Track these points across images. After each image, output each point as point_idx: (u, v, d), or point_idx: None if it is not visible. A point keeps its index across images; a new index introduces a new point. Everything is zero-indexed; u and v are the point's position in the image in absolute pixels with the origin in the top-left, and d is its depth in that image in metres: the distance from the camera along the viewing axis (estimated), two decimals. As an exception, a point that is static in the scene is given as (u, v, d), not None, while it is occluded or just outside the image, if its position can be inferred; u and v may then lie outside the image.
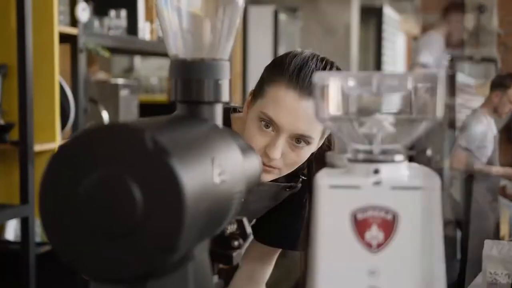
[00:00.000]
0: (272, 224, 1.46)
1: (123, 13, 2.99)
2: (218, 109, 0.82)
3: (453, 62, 4.36)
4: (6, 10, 2.42)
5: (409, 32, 9.07)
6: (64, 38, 2.60)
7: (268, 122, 1.25)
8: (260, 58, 4.23)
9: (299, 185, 1.41)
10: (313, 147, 1.29)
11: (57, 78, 2.48)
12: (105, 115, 2.91)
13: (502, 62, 9.71)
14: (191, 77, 0.81)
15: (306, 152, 1.28)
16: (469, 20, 9.27)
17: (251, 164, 0.85)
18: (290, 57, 1.27)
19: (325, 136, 1.33)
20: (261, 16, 4.87)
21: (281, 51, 5.59)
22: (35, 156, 2.39)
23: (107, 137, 0.62)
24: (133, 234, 0.61)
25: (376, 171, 0.69)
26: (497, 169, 4.29)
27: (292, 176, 1.40)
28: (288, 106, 1.23)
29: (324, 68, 1.29)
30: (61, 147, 0.63)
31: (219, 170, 0.70)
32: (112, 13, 2.99)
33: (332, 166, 0.77)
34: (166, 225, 0.60)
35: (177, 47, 0.83)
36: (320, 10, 5.25)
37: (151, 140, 0.61)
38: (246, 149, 0.86)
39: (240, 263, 1.44)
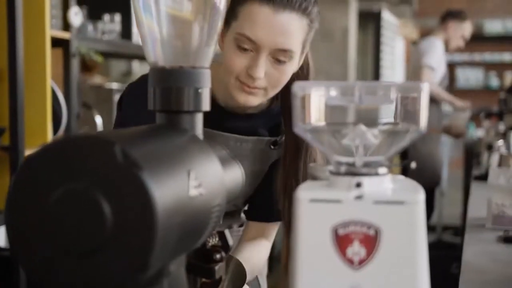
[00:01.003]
0: (264, 200, 1.42)
1: (117, 17, 2.97)
2: (199, 118, 0.80)
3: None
4: (-3, 13, 2.40)
5: (408, 37, 9.05)
6: (57, 42, 2.58)
7: (245, 43, 1.22)
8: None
9: (283, 138, 1.39)
10: (294, 63, 1.26)
11: (49, 82, 2.46)
12: (99, 120, 2.88)
13: (419, 3, 9.71)
14: (170, 85, 0.78)
15: (289, 68, 1.25)
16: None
17: (232, 175, 0.83)
18: None
19: (306, 51, 1.31)
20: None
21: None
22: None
23: (76, 149, 0.60)
24: (102, 251, 0.58)
25: (358, 185, 0.67)
26: (448, 97, 4.47)
27: (274, 130, 1.38)
28: (264, 22, 1.20)
29: None
30: (29, 158, 0.61)
31: (195, 183, 0.67)
32: (106, 17, 2.97)
33: (315, 178, 0.74)
34: (137, 241, 0.58)
35: (156, 55, 0.81)
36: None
37: (122, 153, 0.59)
38: (227, 159, 0.83)
39: (236, 247, 1.41)
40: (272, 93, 1.27)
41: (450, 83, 10.00)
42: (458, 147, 6.15)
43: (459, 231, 4.94)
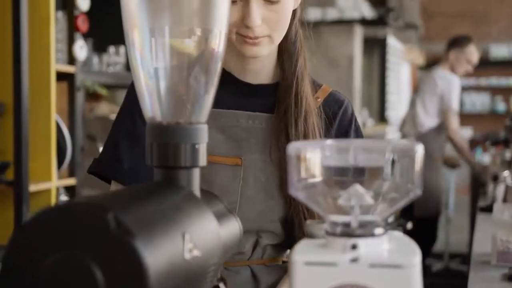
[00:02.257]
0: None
1: (122, 49, 2.99)
2: (196, 174, 0.80)
3: None
4: (3, 47, 2.42)
5: (414, 62, 9.07)
6: (62, 76, 2.59)
7: None
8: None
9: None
10: (291, 1, 1.20)
11: (54, 116, 2.47)
12: (103, 152, 2.88)
13: (424, 28, 9.73)
14: (168, 141, 0.78)
15: (286, 6, 1.18)
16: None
17: (229, 229, 0.83)
18: None
19: None
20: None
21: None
22: (30, 196, 2.37)
23: (68, 216, 0.60)
24: (95, 319, 0.58)
25: (354, 247, 0.66)
26: (467, 153, 4.50)
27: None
28: None
29: None
30: (23, 225, 0.61)
31: (190, 245, 0.67)
32: (111, 49, 2.99)
33: (311, 236, 0.74)
34: (130, 309, 0.57)
35: (153, 110, 0.81)
36: (323, 42, 5.25)
37: (115, 220, 0.58)
38: (223, 213, 0.83)
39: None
40: (278, 37, 1.20)
41: (457, 108, 10.01)
42: (465, 174, 6.12)
43: (467, 259, 4.90)
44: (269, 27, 1.17)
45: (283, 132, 1.22)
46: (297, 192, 0.70)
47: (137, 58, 0.80)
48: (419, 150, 0.67)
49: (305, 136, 1.20)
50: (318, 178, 0.70)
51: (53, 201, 2.50)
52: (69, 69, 2.62)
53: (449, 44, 4.56)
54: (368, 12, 5.50)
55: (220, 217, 0.79)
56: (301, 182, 0.70)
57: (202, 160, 0.80)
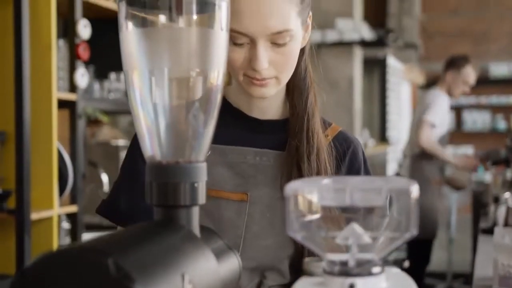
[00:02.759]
0: None
1: (123, 76, 3.00)
2: (195, 212, 0.81)
3: None
4: (4, 76, 2.44)
5: (414, 81, 9.11)
6: (63, 103, 2.61)
7: (238, 38, 1.13)
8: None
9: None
10: (297, 40, 1.17)
11: (55, 144, 2.48)
12: (105, 178, 2.90)
13: (424, 48, 9.77)
14: (167, 180, 0.79)
15: (293, 48, 1.16)
16: (392, 5, 9.37)
17: (229, 267, 0.83)
18: None
19: (309, 21, 1.22)
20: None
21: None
22: (32, 224, 2.37)
23: (69, 261, 0.60)
24: None
25: (352, 286, 0.67)
26: (448, 157, 4.48)
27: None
28: (249, 10, 1.11)
29: None
30: (23, 271, 0.61)
31: (190, 286, 0.68)
32: (112, 76, 3.01)
33: (310, 273, 0.75)
34: None
35: (153, 149, 0.82)
36: (323, 64, 5.28)
37: (114, 265, 0.59)
38: (223, 250, 0.84)
39: None
40: (285, 78, 1.19)
41: (458, 126, 10.05)
42: (466, 194, 6.12)
43: (470, 279, 4.88)
44: (276, 69, 1.16)
45: (295, 168, 1.21)
46: (295, 233, 0.71)
47: (136, 98, 0.81)
48: (414, 190, 0.68)
49: (318, 173, 1.19)
50: (316, 218, 0.71)
51: (54, 229, 2.50)
52: (71, 96, 2.64)
53: (446, 64, 4.58)
54: (367, 33, 5.53)
55: (219, 254, 0.80)
56: (298, 222, 0.71)
57: (201, 198, 0.81)
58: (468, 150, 10.02)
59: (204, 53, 0.80)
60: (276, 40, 1.14)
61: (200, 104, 0.82)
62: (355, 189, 0.69)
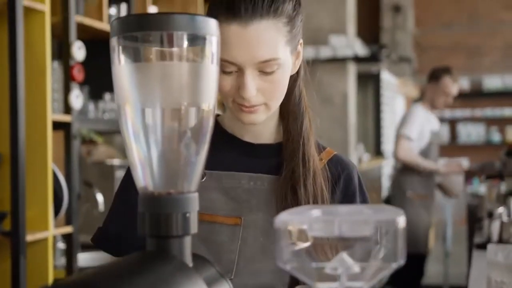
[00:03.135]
0: None
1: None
2: (187, 242, 0.82)
3: None
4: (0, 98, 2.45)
5: (408, 94, 9.15)
6: (58, 125, 2.62)
7: (226, 66, 1.14)
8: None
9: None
10: (286, 68, 1.18)
11: (50, 166, 2.49)
12: (100, 198, 2.91)
13: (418, 61, 9.82)
14: (159, 211, 0.81)
15: (281, 76, 1.17)
16: (386, 20, 9.42)
17: (221, 295, 0.84)
18: None
19: (298, 49, 1.22)
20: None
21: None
22: (27, 246, 2.38)
23: (63, 297, 0.62)
24: None
25: (341, 315, 0.68)
26: (429, 164, 4.43)
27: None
28: (236, 40, 1.12)
29: None
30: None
31: (182, 318, 0.69)
32: (107, 96, 3.03)
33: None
34: None
35: (145, 180, 0.83)
36: (317, 80, 5.31)
37: (107, 301, 0.60)
38: (215, 279, 0.85)
39: None
40: (274, 104, 1.21)
41: (452, 139, 10.09)
42: (462, 205, 6.14)
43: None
44: (265, 96, 1.17)
45: (290, 192, 1.22)
46: (285, 263, 0.72)
47: (129, 130, 0.82)
48: (401, 221, 0.69)
49: (315, 197, 1.20)
50: (305, 248, 0.73)
51: (50, 250, 2.51)
52: (65, 118, 2.65)
53: (427, 77, 4.59)
54: (360, 49, 5.57)
55: (211, 282, 0.81)
56: (288, 252, 0.72)
57: (193, 227, 0.82)
58: (463, 162, 10.05)
59: (195, 87, 0.82)
60: (264, 69, 1.15)
61: (192, 134, 0.83)
62: (344, 220, 0.71)
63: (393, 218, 0.70)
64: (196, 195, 0.83)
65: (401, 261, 0.70)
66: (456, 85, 4.54)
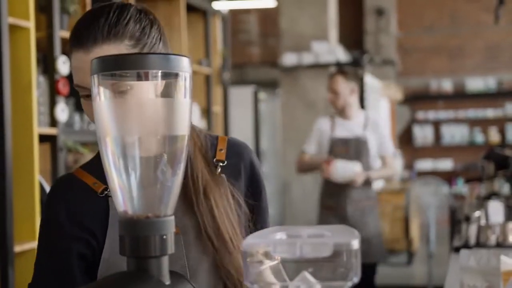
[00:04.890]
0: None
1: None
2: (165, 261, 0.89)
3: None
4: (-14, 112, 2.50)
5: (392, 97, 9.26)
6: (44, 138, 2.68)
7: (83, 91, 1.21)
8: (242, 137, 4.31)
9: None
10: (142, 88, 1.16)
11: (37, 178, 2.55)
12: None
13: (402, 64, 9.94)
14: (138, 234, 0.88)
15: (138, 96, 1.18)
16: (369, 23, 9.53)
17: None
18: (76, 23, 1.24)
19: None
20: (242, 96, 5.01)
21: (263, 128, 5.72)
22: (15, 256, 2.44)
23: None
24: None
25: (303, 330, 0.76)
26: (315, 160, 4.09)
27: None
28: (82, 66, 1.19)
29: (104, 10, 1.21)
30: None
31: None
32: (92, 107, 3.09)
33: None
34: None
35: (125, 205, 0.90)
36: (300, 85, 5.39)
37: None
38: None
39: None
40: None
41: (436, 140, 10.21)
42: (445, 206, 6.23)
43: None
44: None
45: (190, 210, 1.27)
46: (252, 283, 0.79)
47: (109, 159, 0.90)
48: (355, 243, 0.77)
49: (211, 211, 1.26)
50: (270, 269, 0.80)
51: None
52: (51, 131, 2.71)
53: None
54: (342, 56, 5.65)
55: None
56: (254, 273, 0.79)
57: (170, 248, 0.89)
58: (447, 163, 10.20)
59: (170, 119, 0.89)
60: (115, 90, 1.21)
61: (168, 161, 0.91)
62: (305, 243, 0.78)
63: (349, 240, 0.77)
64: (172, 218, 0.90)
65: (355, 279, 0.78)
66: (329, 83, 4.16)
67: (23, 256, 2.54)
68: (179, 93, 0.89)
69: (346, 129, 4.06)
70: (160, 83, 0.88)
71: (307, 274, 0.79)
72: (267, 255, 0.80)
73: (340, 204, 4.07)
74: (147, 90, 0.91)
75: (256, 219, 1.34)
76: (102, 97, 0.88)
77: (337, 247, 0.77)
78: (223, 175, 1.30)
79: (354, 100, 4.07)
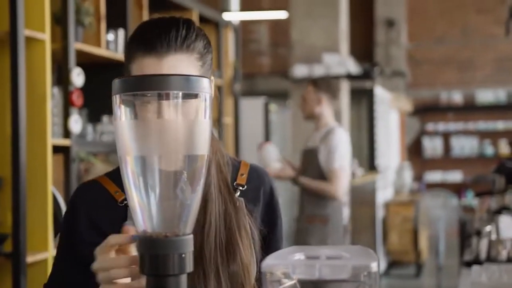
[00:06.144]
0: None
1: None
2: (183, 280, 0.90)
3: None
4: (1, 123, 2.53)
5: (401, 108, 9.25)
6: (58, 149, 2.70)
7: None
8: (253, 148, 4.32)
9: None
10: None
11: (50, 189, 2.57)
12: (98, 218, 2.97)
13: (412, 75, 9.90)
14: (157, 252, 0.89)
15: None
16: (379, 35, 9.48)
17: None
18: (136, 28, 1.25)
19: (212, 83, 1.26)
20: (253, 107, 5.02)
21: (273, 139, 5.73)
22: (28, 267, 2.45)
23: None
24: None
25: None
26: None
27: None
28: (151, 71, 1.19)
29: (172, 22, 1.23)
30: None
31: None
32: (105, 118, 3.11)
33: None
34: None
35: (145, 224, 0.91)
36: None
37: None
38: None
39: None
40: None
41: (446, 152, 10.18)
42: (454, 218, 6.21)
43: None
44: None
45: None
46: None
47: (129, 179, 0.91)
48: (374, 266, 0.77)
49: (203, 225, 1.24)
50: (289, 289, 0.81)
51: (49, 270, 2.58)
52: (65, 142, 2.74)
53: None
54: (353, 68, 5.66)
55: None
56: (274, 293, 0.80)
57: (189, 266, 0.90)
58: (456, 175, 10.16)
59: (190, 139, 0.91)
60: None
61: (187, 180, 0.92)
62: (324, 265, 0.79)
63: (368, 263, 0.78)
64: (191, 236, 0.91)
65: (374, 301, 0.78)
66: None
67: (36, 267, 2.56)
68: (199, 113, 0.90)
69: (312, 140, 4.08)
70: (180, 103, 0.89)
71: (325, 296, 0.80)
72: (286, 276, 0.81)
73: (297, 216, 4.08)
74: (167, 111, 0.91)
75: (267, 248, 1.31)
76: (123, 117, 0.89)
77: (356, 270, 0.78)
78: (242, 199, 1.30)
79: (323, 111, 4.04)
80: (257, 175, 1.37)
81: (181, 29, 1.21)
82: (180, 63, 1.21)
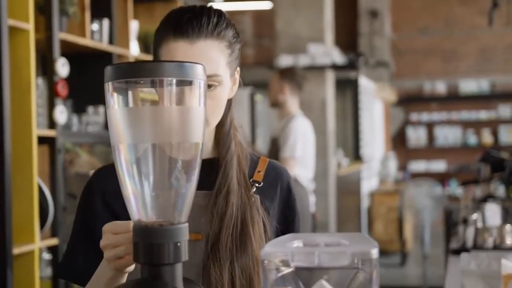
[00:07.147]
0: None
1: (101, 109, 3.08)
2: (178, 269, 0.89)
3: None
4: (-15, 115, 2.49)
5: (386, 98, 9.28)
6: (43, 139, 2.67)
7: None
8: (238, 139, 4.29)
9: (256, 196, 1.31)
10: (226, 87, 1.25)
11: (36, 180, 2.54)
12: (84, 210, 2.95)
13: (396, 66, 9.97)
14: (152, 241, 0.88)
15: (221, 93, 1.24)
16: (363, 26, 9.53)
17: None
18: (167, 14, 1.27)
19: (236, 75, 1.30)
20: (238, 98, 4.98)
21: (259, 129, 5.72)
22: (14, 259, 2.42)
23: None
24: None
25: None
26: None
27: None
28: (183, 55, 1.20)
29: (204, 9, 1.24)
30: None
31: None
32: (90, 109, 3.08)
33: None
34: None
35: (139, 213, 0.90)
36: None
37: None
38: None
39: None
40: (214, 121, 1.26)
41: (429, 142, 10.24)
42: (439, 207, 6.23)
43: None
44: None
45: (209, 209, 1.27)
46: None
47: (123, 168, 0.89)
48: (375, 253, 0.77)
49: (224, 214, 1.24)
50: (288, 276, 0.80)
51: (36, 262, 2.56)
52: (50, 133, 2.70)
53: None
54: (338, 58, 5.66)
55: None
56: (272, 281, 0.79)
57: (184, 255, 0.89)
58: (440, 165, 10.23)
59: (184, 126, 0.89)
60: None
61: (182, 168, 0.90)
62: (323, 252, 0.78)
63: (368, 250, 0.77)
64: (186, 225, 0.90)
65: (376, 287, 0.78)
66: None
67: (22, 258, 2.53)
68: (193, 101, 0.89)
69: (277, 129, 4.17)
70: (174, 90, 0.87)
71: (324, 282, 0.79)
72: (285, 264, 0.80)
73: None
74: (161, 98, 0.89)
75: None
76: (115, 105, 0.88)
77: (355, 257, 0.77)
78: (257, 196, 1.30)
79: (287, 100, 4.09)
80: (274, 171, 1.36)
81: (213, 16, 1.23)
82: (210, 48, 1.22)
